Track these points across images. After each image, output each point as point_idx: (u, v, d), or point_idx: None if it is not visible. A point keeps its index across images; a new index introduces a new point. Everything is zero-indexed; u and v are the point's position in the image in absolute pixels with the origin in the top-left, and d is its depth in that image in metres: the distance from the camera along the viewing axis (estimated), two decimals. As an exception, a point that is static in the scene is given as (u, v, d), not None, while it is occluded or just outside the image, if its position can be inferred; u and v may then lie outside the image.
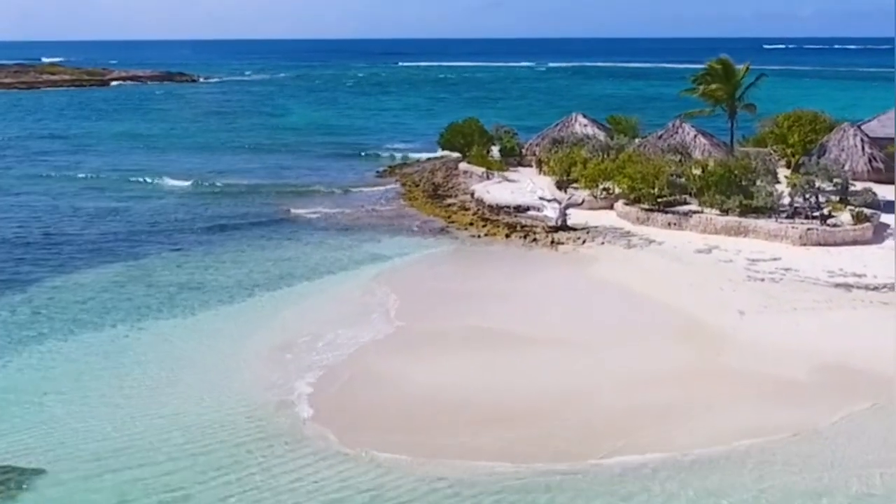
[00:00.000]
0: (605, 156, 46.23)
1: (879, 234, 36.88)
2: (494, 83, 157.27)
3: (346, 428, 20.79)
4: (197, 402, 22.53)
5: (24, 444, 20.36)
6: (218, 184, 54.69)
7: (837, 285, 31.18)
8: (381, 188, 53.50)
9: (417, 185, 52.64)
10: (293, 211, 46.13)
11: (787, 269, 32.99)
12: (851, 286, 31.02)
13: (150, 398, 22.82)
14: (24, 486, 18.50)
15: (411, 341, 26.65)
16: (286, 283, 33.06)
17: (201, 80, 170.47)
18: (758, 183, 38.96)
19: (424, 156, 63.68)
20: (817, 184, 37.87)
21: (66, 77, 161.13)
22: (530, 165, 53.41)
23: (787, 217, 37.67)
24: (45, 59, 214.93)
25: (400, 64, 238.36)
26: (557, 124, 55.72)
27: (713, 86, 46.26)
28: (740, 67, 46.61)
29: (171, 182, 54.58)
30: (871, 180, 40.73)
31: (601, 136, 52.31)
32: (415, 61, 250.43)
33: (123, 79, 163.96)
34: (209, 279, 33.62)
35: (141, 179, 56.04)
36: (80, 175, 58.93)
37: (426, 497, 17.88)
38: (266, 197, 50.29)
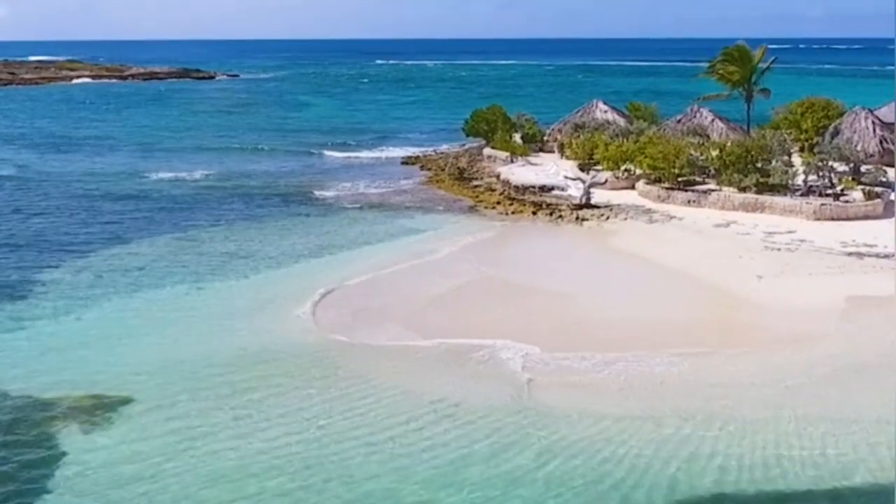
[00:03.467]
0: (626, 140, 48.23)
1: (890, 210, 38.76)
2: (508, 80, 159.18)
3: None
4: (265, 340, 24.86)
5: (108, 379, 22.43)
6: (250, 170, 56.68)
7: (850, 254, 33.12)
8: (408, 174, 55.29)
9: (443, 170, 54.38)
10: (326, 193, 48.19)
11: (802, 241, 34.94)
12: (863, 255, 32.99)
13: (220, 341, 25.02)
14: (116, 411, 20.58)
15: (463, 295, 29.34)
16: (329, 252, 35.23)
17: (218, 77, 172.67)
18: (773, 163, 40.84)
19: (445, 146, 65.44)
20: (830, 163, 39.79)
21: (86, 73, 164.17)
22: (552, 151, 55.44)
23: (801, 195, 39.60)
24: (32, 58, 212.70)
25: (413, 62, 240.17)
26: (579, 110, 57.85)
27: (731, 68, 48.33)
28: (756, 52, 48.67)
29: (204, 170, 56.36)
30: (881, 162, 42.55)
31: (621, 121, 54.36)
32: (428, 60, 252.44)
33: (142, 76, 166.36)
34: (256, 249, 35.63)
35: (175, 167, 57.78)
36: (117, 161, 61.05)
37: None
38: (298, 182, 51.99)
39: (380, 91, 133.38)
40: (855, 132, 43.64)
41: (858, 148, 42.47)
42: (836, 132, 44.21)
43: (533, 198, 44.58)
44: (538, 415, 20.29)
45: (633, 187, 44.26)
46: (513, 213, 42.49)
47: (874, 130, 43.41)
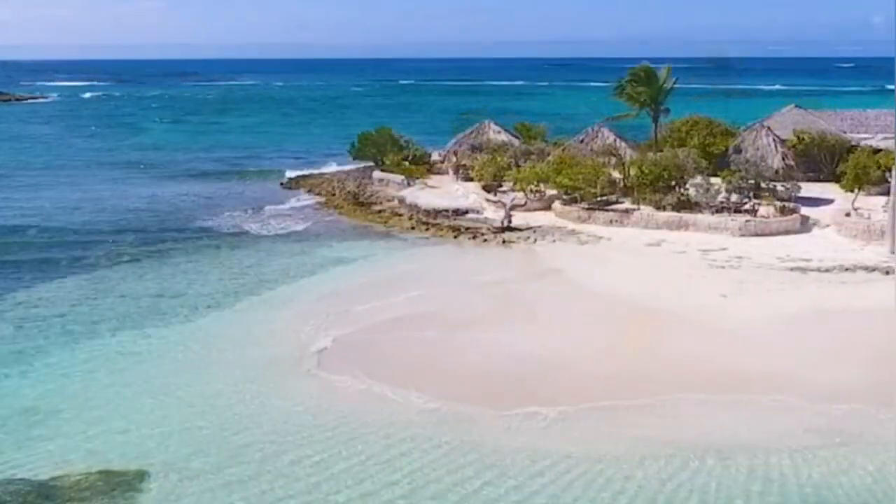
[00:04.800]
0: (525, 160, 47.81)
1: (805, 224, 39.77)
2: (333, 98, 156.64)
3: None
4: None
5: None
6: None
7: (792, 269, 33.58)
8: (295, 200, 52.34)
9: (334, 195, 51.92)
10: (216, 223, 44.86)
11: (739, 258, 35.20)
12: (804, 269, 33.53)
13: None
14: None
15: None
16: (268, 288, 32.36)
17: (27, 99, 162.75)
18: (696, 179, 41.56)
19: (326, 169, 62.36)
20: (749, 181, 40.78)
21: None
22: (444, 173, 54.07)
23: (715, 212, 40.05)
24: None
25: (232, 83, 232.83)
26: (472, 131, 56.08)
27: (639, 89, 48.95)
28: (661, 72, 49.59)
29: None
30: (784, 178, 43.33)
31: (515, 142, 53.91)
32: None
33: None
34: (183, 289, 32.43)
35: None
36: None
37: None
38: (184, 214, 48.39)
39: (221, 114, 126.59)
40: (758, 149, 44.74)
41: (764, 165, 43.38)
42: (739, 150, 45.19)
43: (448, 222, 43.21)
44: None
45: (548, 208, 43.69)
46: (432, 236, 41.03)
47: (776, 147, 44.60)
